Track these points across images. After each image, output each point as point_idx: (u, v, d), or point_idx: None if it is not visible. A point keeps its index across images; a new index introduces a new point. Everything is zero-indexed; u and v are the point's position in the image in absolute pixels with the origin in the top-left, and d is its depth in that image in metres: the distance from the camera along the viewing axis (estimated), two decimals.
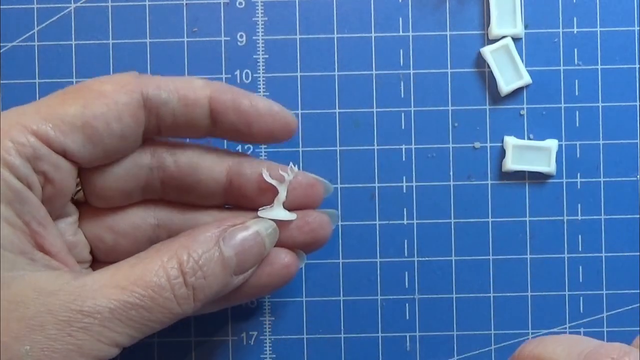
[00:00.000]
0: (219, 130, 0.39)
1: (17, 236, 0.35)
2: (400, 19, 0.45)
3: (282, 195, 0.40)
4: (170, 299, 0.35)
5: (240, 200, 0.40)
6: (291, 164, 0.40)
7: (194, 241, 0.37)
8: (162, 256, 0.36)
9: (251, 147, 0.45)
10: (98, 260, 0.40)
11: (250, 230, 0.38)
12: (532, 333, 0.45)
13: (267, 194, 0.40)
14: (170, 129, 0.39)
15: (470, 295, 0.45)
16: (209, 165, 0.40)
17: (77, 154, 0.37)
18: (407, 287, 0.45)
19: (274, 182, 0.40)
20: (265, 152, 0.45)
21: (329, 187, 0.42)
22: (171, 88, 0.38)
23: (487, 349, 0.45)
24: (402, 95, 0.45)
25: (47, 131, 0.36)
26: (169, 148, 0.40)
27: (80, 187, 0.39)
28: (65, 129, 0.36)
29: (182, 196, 0.40)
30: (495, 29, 0.44)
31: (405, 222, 0.45)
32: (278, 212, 0.40)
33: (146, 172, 0.39)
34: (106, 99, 0.37)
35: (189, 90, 0.38)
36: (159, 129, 0.39)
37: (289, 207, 0.40)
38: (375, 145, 0.45)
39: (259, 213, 0.40)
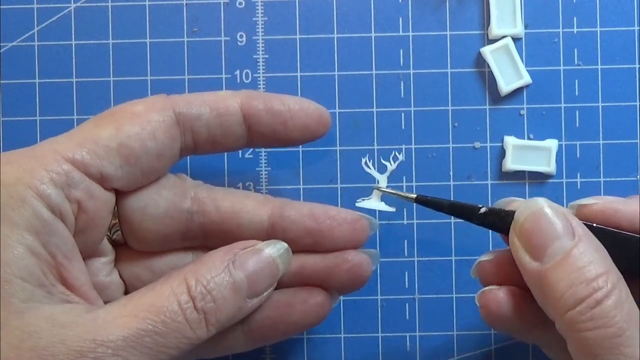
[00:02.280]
0: (255, 135, 0.39)
1: (39, 267, 0.34)
2: (400, 19, 0.45)
3: (383, 184, 0.39)
4: (182, 323, 0.35)
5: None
6: (394, 153, 0.40)
7: (202, 266, 0.37)
8: (171, 282, 0.36)
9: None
10: None
11: (261, 252, 0.38)
12: None
13: (312, 235, 0.39)
14: (206, 143, 0.39)
15: (471, 295, 0.44)
16: (251, 210, 0.40)
17: (114, 176, 0.37)
18: (407, 287, 0.45)
19: (374, 173, 0.39)
20: (265, 152, 0.45)
21: (374, 224, 0.41)
22: (201, 102, 0.38)
23: (487, 349, 0.45)
24: (402, 95, 0.45)
25: (83, 156, 0.36)
26: (210, 194, 0.40)
27: (119, 228, 0.39)
28: (101, 152, 0.36)
29: (222, 242, 0.39)
30: (495, 29, 0.44)
31: (405, 222, 0.45)
32: (377, 203, 0.39)
33: (186, 216, 0.39)
34: (139, 119, 0.37)
35: (219, 100, 0.39)
36: (195, 144, 0.39)
37: (334, 247, 0.39)
38: (375, 145, 0.45)
39: (357, 204, 0.39)
